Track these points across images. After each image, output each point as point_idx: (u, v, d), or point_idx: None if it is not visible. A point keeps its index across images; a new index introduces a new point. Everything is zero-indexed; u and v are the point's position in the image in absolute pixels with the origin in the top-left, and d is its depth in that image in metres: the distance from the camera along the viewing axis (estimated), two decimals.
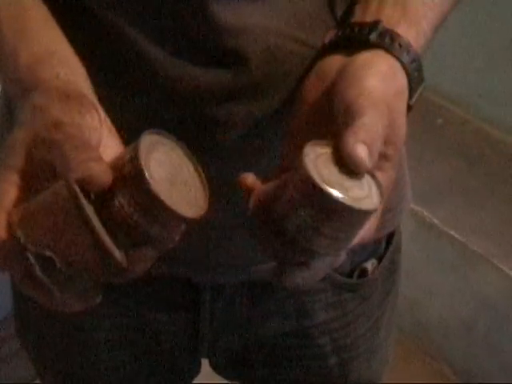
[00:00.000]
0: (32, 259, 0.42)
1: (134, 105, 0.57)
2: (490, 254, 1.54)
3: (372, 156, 0.47)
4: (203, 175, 0.48)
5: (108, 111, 0.50)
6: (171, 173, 0.46)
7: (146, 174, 0.42)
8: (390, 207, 0.73)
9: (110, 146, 0.48)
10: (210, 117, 0.57)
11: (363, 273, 0.77)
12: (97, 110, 0.48)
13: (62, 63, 0.50)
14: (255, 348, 0.80)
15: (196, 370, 0.87)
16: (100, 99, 0.51)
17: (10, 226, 0.44)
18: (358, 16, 0.55)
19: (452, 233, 1.57)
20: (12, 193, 0.46)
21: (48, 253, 0.42)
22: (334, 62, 0.53)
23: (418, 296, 1.66)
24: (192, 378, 0.89)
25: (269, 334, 0.78)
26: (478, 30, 1.69)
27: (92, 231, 0.42)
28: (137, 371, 0.81)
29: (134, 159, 0.43)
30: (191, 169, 0.48)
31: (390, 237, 0.79)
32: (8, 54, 0.51)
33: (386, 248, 0.79)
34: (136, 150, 0.43)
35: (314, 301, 0.76)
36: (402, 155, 0.73)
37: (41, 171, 0.46)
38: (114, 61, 0.58)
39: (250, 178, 0.50)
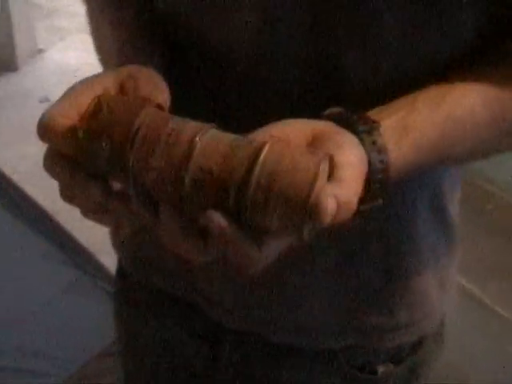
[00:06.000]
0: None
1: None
2: None
3: None
4: None
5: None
6: None
7: None
8: (412, 321, 0.77)
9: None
10: None
11: (374, 372, 0.79)
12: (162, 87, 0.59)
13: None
14: None
15: None
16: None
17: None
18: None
19: (497, 308, 1.74)
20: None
21: None
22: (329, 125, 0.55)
23: (462, 362, 1.75)
24: None
25: None
26: None
27: None
28: (170, 374, 0.91)
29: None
30: None
31: (416, 347, 0.80)
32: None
33: (408, 355, 0.79)
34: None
35: (322, 382, 0.80)
36: (422, 278, 0.76)
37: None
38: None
39: None
